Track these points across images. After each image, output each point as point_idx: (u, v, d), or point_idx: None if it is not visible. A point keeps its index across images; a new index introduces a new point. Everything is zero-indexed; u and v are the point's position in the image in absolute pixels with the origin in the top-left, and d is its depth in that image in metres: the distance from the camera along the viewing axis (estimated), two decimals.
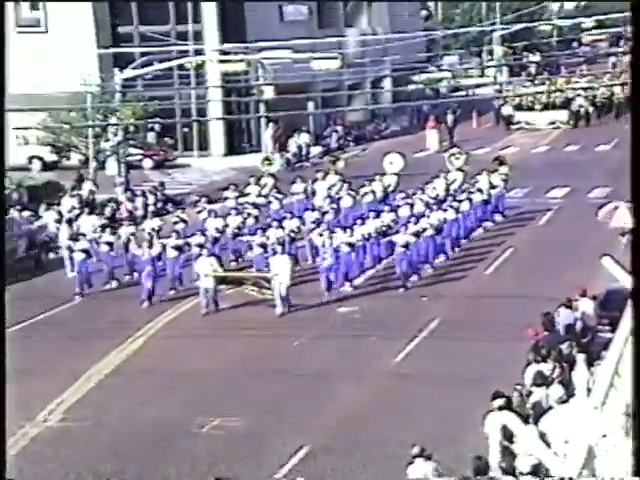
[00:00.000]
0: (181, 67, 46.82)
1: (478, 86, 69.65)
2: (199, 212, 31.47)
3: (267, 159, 44.74)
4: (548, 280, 26.05)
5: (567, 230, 32.47)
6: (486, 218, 33.30)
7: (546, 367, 17.46)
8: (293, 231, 28.70)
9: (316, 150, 50.93)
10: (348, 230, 27.45)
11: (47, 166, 46.92)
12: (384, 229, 28.34)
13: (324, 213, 30.85)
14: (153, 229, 29.97)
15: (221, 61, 44.45)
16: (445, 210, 29.84)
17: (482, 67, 74.09)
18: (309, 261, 28.58)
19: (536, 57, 74.47)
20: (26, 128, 44.62)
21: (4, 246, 24.08)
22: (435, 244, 28.47)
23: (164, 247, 27.38)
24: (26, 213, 34.27)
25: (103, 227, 30.46)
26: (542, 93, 56.89)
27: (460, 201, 31.34)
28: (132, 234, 29.30)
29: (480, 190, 33.05)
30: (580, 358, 17.57)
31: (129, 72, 42.43)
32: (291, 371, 21.18)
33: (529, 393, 16.72)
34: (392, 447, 16.81)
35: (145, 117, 43.62)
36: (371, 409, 19.19)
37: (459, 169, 37.52)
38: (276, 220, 29.23)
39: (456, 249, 30.27)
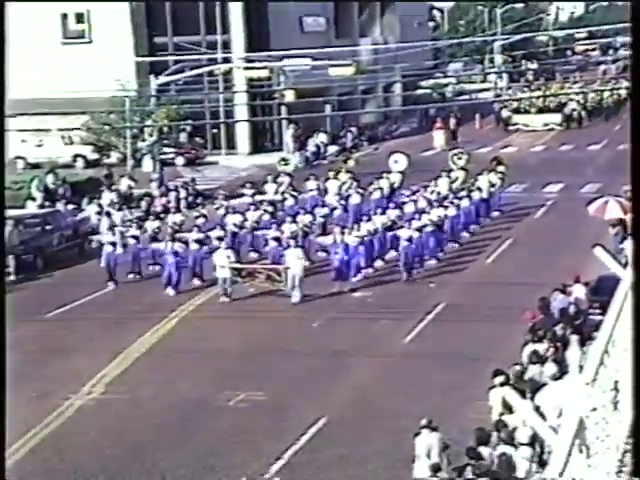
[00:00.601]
0: (210, 74, 46.79)
1: (480, 91, 69.38)
2: (217, 209, 31.27)
3: (283, 159, 43.64)
4: (544, 268, 25.95)
5: (561, 222, 32.33)
6: (484, 214, 32.68)
7: (542, 347, 17.42)
8: (306, 226, 28.42)
9: (332, 149, 50.84)
10: (356, 225, 27.09)
11: (89, 163, 46.99)
12: (390, 224, 27.87)
13: (333, 209, 30.49)
14: (175, 223, 29.79)
15: (247, 68, 44.43)
16: (446, 207, 29.44)
17: (484, 73, 73.77)
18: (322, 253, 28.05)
19: (533, 65, 74.13)
20: (71, 129, 44.86)
21: (4, 247, 23.90)
22: (437, 238, 28.00)
23: (186, 240, 26.93)
24: (70, 206, 34.39)
25: (138, 219, 30.51)
26: (538, 97, 56.56)
27: (460, 198, 31.01)
28: (157, 227, 29.11)
29: (480, 188, 32.53)
30: (573, 339, 17.52)
31: (163, 78, 42.44)
32: (310, 350, 21.18)
33: (526, 370, 16.68)
34: (401, 419, 16.80)
35: (178, 119, 43.67)
36: (382, 384, 19.18)
37: (462, 168, 37.07)
38: (290, 215, 28.88)
39: (457, 243, 29.85)
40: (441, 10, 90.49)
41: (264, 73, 42.12)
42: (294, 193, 33.28)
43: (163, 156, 41.84)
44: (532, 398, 14.79)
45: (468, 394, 17.27)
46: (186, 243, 26.79)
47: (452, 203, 30.09)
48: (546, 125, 56.00)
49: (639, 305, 8.83)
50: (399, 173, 36.56)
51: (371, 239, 27.27)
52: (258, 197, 32.89)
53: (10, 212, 31.76)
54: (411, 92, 61.74)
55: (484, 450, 13.93)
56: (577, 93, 57.63)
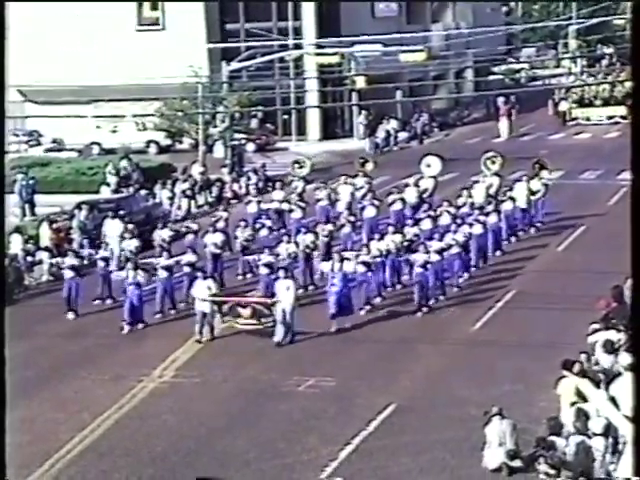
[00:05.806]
0: (282, 60, 46.88)
1: (554, 76, 68.29)
2: (216, 221, 26.87)
3: (297, 162, 36.65)
4: (617, 255, 25.37)
5: None
6: (521, 228, 28.69)
7: (615, 336, 17.10)
8: (308, 247, 24.38)
9: (403, 135, 50.64)
10: (364, 248, 23.09)
11: (162, 149, 47.51)
12: (406, 244, 23.77)
13: (341, 226, 26.50)
14: (164, 240, 25.95)
15: (318, 54, 44.34)
16: (471, 225, 25.14)
17: (558, 59, 72.58)
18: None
19: (609, 49, 72.65)
20: (144, 115, 45.34)
21: (4, 247, 23.99)
22: (462, 261, 24.07)
23: (154, 267, 23.00)
24: (143, 191, 34.78)
25: (209, 204, 30.18)
26: (605, 83, 53.38)
27: (487, 214, 26.55)
28: (136, 247, 25.63)
29: (512, 198, 28.33)
30: None
31: (235, 65, 42.62)
32: (378, 337, 21.11)
33: (598, 359, 16.40)
34: (469, 407, 16.65)
35: (249, 105, 43.87)
36: (451, 372, 19.04)
37: (495, 173, 32.17)
38: (287, 235, 24.89)
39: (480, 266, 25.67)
40: None
41: (335, 59, 41.95)
42: (302, 204, 28.84)
43: (234, 142, 41.99)
44: (606, 388, 14.54)
45: (538, 382, 17.04)
46: (151, 271, 22.87)
47: (478, 220, 25.64)
48: (611, 118, 51.29)
49: (638, 310, 8.59)
50: (432, 178, 31.73)
51: (382, 262, 23.18)
52: (264, 206, 29.14)
53: (85, 197, 32.35)
54: (483, 78, 61.00)
55: (557, 440, 13.73)
56: None
